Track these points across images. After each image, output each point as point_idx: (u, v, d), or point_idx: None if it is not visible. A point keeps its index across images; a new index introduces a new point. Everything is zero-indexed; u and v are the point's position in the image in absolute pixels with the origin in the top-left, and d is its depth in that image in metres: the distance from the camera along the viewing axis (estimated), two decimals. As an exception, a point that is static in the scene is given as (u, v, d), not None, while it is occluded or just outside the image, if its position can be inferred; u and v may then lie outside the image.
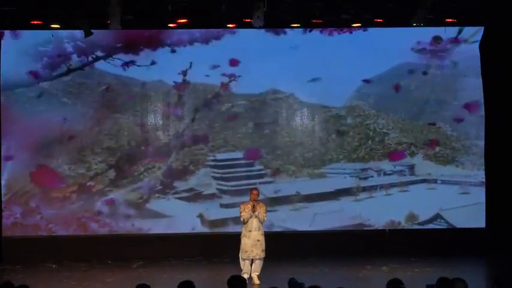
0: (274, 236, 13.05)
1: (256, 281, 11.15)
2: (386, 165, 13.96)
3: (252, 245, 11.15)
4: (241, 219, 11.22)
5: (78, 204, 13.52)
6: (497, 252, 13.14)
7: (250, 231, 11.16)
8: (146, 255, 13.30)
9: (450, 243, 13.52)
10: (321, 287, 6.22)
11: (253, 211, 11.13)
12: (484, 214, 13.79)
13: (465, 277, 6.36)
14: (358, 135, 13.94)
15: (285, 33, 13.68)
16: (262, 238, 11.22)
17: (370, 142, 13.93)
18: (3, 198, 13.39)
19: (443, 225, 13.86)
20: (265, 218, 11.27)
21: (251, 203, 11.18)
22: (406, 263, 12.70)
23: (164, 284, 10.58)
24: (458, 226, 13.86)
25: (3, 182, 13.39)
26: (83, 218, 13.53)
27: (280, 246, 12.95)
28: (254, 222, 11.16)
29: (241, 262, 11.29)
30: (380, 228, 13.77)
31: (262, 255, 11.20)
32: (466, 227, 13.82)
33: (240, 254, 11.31)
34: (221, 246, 13.01)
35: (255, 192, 11.31)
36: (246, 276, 10.95)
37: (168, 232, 13.60)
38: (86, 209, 13.54)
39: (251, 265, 11.23)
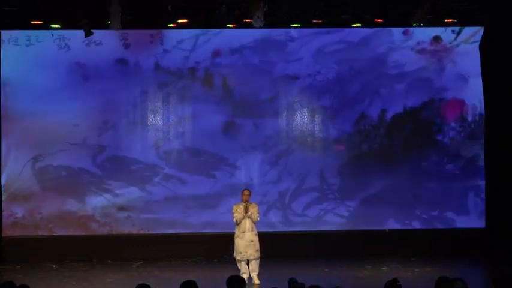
0: (274, 236, 13.10)
1: (256, 281, 11.15)
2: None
3: (245, 245, 11.16)
4: (234, 220, 11.24)
5: (78, 204, 13.52)
6: (497, 252, 13.14)
7: (243, 232, 11.17)
8: (146, 255, 13.31)
9: (450, 243, 13.52)
10: (321, 287, 6.23)
11: (246, 212, 11.14)
12: (484, 214, 13.81)
13: (465, 277, 6.37)
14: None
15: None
16: (255, 238, 11.22)
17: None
18: (3, 198, 13.40)
19: (443, 225, 13.87)
20: (258, 218, 11.27)
21: (243, 203, 11.19)
22: (406, 263, 12.71)
23: (164, 284, 10.58)
24: (458, 226, 13.87)
25: (3, 182, 13.39)
26: (82, 218, 13.53)
27: (280, 246, 12.98)
28: (247, 223, 11.17)
29: (238, 263, 11.32)
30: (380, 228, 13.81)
31: (257, 255, 11.20)
32: (466, 227, 13.83)
33: (234, 255, 11.33)
34: (221, 246, 12.98)
35: (246, 192, 11.30)
36: (245, 276, 10.97)
37: (168, 232, 13.61)
38: (86, 209, 13.54)
39: (248, 265, 11.23)
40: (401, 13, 12.88)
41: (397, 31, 13.79)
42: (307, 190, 13.80)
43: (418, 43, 13.88)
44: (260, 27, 12.08)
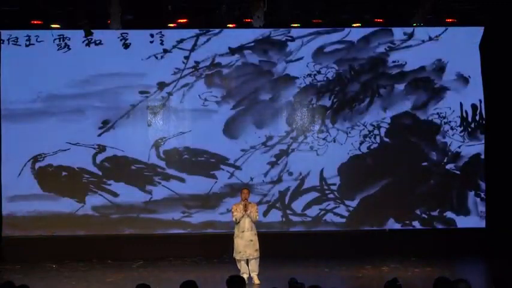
0: (274, 236, 13.09)
1: (256, 281, 11.15)
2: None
3: (244, 245, 11.16)
4: (234, 219, 11.25)
5: (78, 204, 13.51)
6: (497, 252, 13.14)
7: (243, 231, 11.18)
8: (146, 255, 13.31)
9: (450, 243, 13.52)
10: (321, 287, 6.23)
11: (245, 210, 11.15)
12: (484, 214, 13.81)
13: (465, 277, 6.36)
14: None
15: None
16: (255, 238, 11.23)
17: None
18: (3, 198, 13.39)
19: (443, 225, 13.87)
20: (257, 218, 11.28)
21: (243, 202, 11.21)
22: (406, 263, 12.71)
23: (164, 284, 10.59)
24: (458, 226, 13.87)
25: (3, 182, 13.39)
26: (82, 218, 13.52)
27: (280, 246, 12.98)
28: (246, 223, 11.18)
29: (237, 263, 11.32)
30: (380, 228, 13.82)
31: (256, 255, 11.20)
32: (466, 227, 13.83)
33: (234, 255, 11.34)
34: (221, 246, 12.98)
35: (245, 191, 11.33)
36: (245, 276, 10.97)
37: (168, 232, 13.60)
38: (86, 208, 13.53)
39: (247, 264, 11.24)
40: (401, 13, 12.88)
41: (397, 31, 13.79)
42: (307, 190, 13.80)
43: (418, 43, 13.87)
44: (260, 27, 12.10)
